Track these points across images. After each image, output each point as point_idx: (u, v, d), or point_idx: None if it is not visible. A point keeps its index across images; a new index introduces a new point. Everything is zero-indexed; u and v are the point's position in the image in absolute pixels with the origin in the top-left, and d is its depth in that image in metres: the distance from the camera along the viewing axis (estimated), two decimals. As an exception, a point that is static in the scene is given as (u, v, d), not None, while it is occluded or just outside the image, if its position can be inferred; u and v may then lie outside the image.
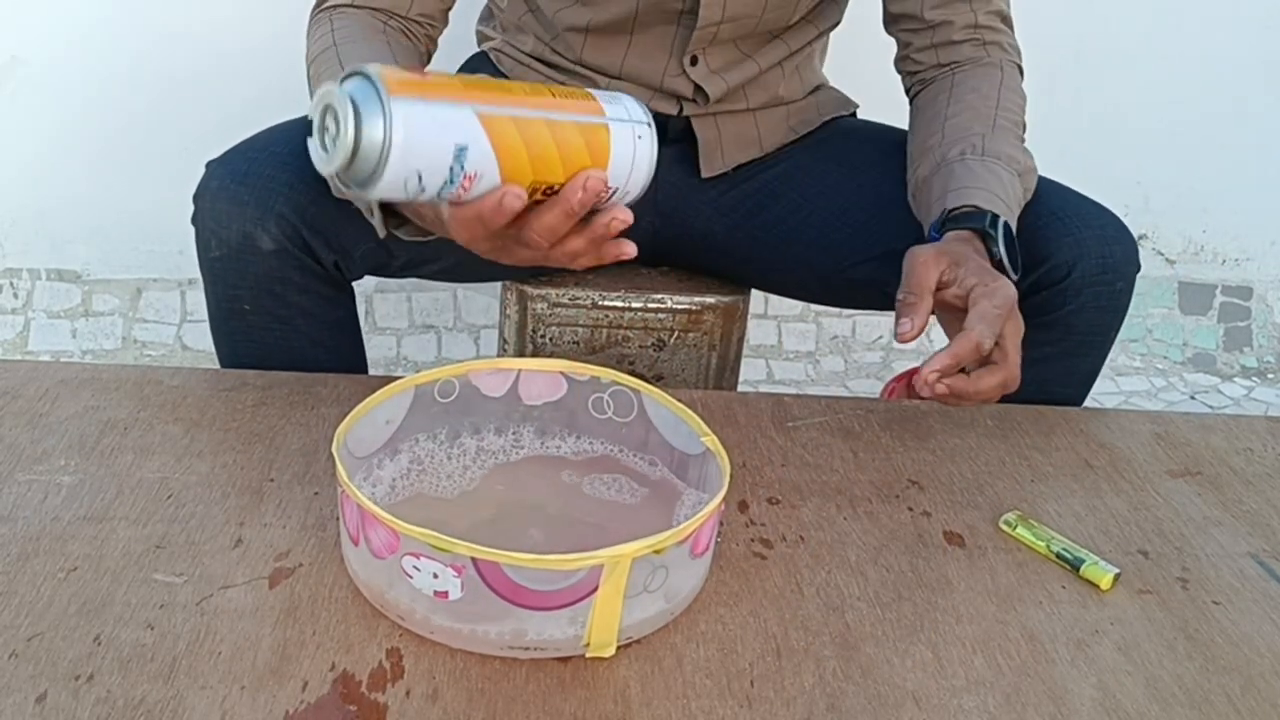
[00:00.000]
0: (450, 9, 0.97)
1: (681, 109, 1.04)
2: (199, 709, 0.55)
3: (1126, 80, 1.89)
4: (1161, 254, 2.02)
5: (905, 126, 1.11)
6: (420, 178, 0.57)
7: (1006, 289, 0.76)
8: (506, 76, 1.08)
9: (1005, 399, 0.96)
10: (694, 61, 1.01)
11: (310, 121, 0.59)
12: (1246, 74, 1.93)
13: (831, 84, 1.15)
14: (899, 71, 1.05)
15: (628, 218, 0.64)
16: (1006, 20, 1.00)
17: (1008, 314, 0.75)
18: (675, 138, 1.07)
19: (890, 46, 1.06)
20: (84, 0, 1.69)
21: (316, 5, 0.93)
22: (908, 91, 1.05)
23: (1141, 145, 1.91)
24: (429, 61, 0.98)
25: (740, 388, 1.29)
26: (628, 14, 0.97)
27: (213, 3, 1.71)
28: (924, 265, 0.77)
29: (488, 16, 1.14)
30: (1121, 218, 0.96)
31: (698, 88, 1.02)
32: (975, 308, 0.75)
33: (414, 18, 0.93)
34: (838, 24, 1.09)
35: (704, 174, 1.07)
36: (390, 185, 0.57)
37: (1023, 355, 0.99)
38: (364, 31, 0.88)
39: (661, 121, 1.05)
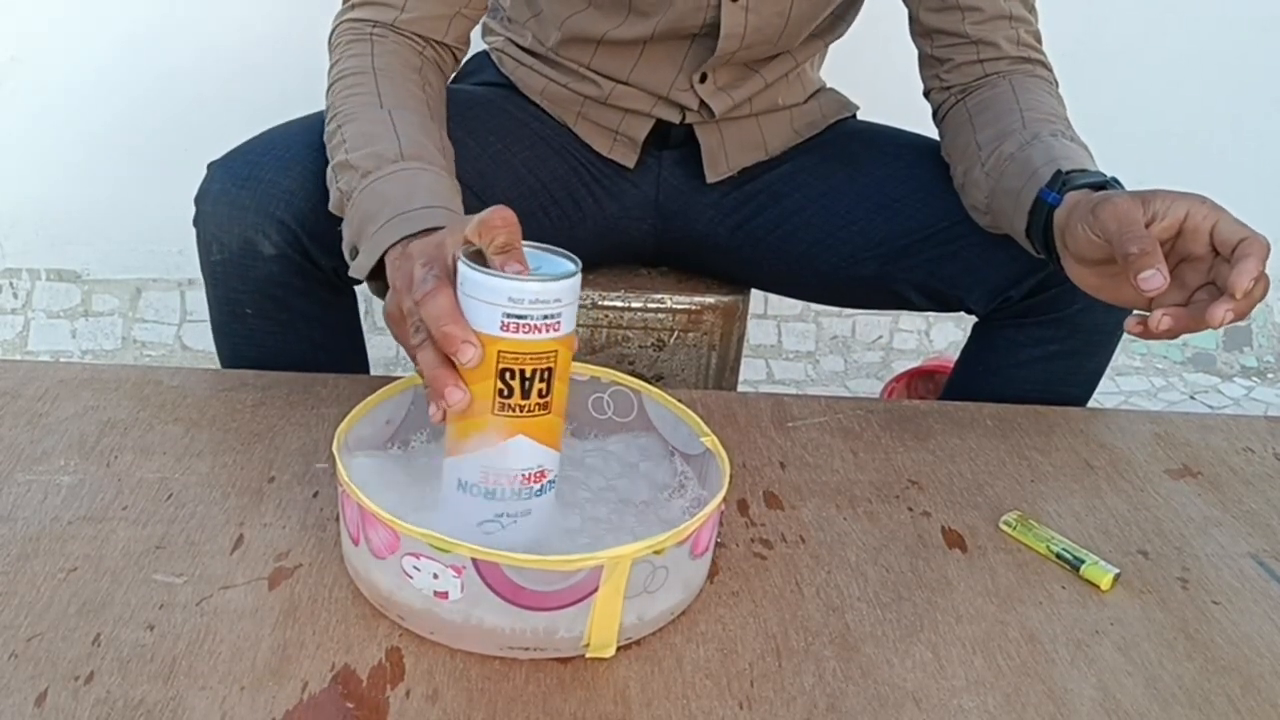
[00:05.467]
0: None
1: (684, 117, 1.04)
2: (199, 709, 0.55)
3: (1124, 81, 1.89)
4: (1161, 254, 2.02)
5: (906, 127, 1.12)
6: None
7: (1264, 242, 0.70)
8: (508, 79, 1.08)
9: (1015, 399, 0.97)
10: (703, 79, 1.01)
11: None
12: (1245, 74, 1.93)
13: (829, 87, 1.15)
14: (930, 76, 1.02)
15: (456, 402, 0.60)
16: (1040, 40, 0.99)
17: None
18: (679, 141, 1.07)
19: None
20: (83, 0, 1.69)
21: (349, 5, 0.91)
22: (940, 91, 1.01)
23: (1139, 146, 1.91)
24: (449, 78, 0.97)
25: (740, 388, 1.29)
26: (645, 33, 0.97)
27: (214, 3, 1.71)
28: (1130, 211, 0.71)
29: (494, 9, 1.14)
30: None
31: (703, 103, 1.02)
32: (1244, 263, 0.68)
33: (448, 42, 0.92)
34: (843, 35, 1.08)
35: (709, 179, 1.07)
36: None
37: (1029, 354, 0.99)
38: (402, 68, 0.87)
39: (665, 128, 1.06)
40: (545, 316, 0.59)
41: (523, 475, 0.63)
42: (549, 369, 0.60)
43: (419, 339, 0.62)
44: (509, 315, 0.58)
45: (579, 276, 0.61)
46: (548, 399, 0.61)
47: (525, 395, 0.60)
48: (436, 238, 0.65)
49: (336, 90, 0.85)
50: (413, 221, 0.71)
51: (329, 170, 0.82)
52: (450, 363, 0.60)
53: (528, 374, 0.60)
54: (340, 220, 0.79)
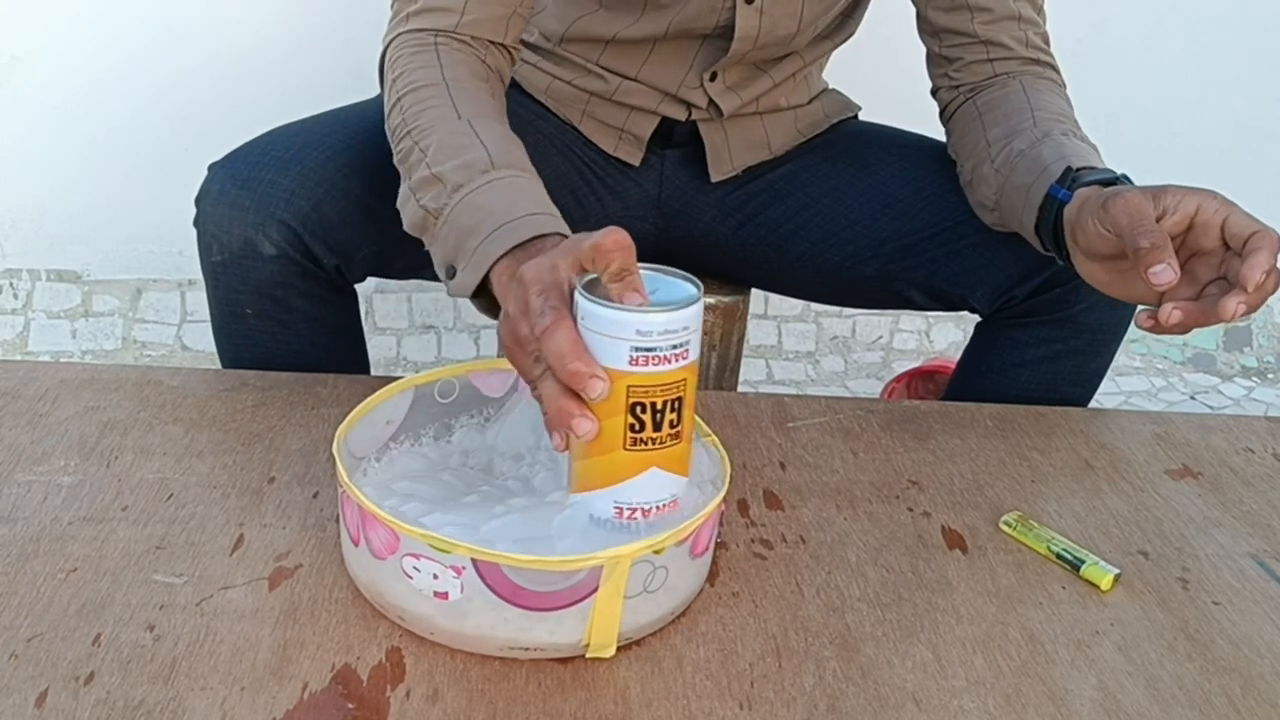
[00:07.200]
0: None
1: (690, 114, 1.04)
2: (199, 710, 0.55)
3: (1127, 81, 1.89)
4: (1161, 254, 2.02)
5: (907, 128, 1.12)
6: None
7: (1276, 235, 0.70)
8: (511, 77, 1.08)
9: (1017, 398, 0.97)
10: (713, 78, 1.01)
11: None
12: (1246, 75, 1.93)
13: (832, 88, 1.16)
14: (938, 75, 1.02)
15: (586, 432, 0.58)
16: (1049, 43, 0.99)
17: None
18: (682, 140, 1.07)
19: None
20: (84, 1, 1.69)
21: (403, 16, 0.87)
22: (948, 90, 1.01)
23: (1142, 146, 1.91)
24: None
25: (740, 388, 1.29)
26: (658, 32, 0.97)
27: (215, 5, 1.71)
28: (1141, 205, 0.71)
29: None
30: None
31: (711, 101, 1.02)
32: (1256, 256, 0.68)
33: (506, 44, 0.90)
34: (851, 35, 1.09)
35: (713, 178, 1.07)
36: None
37: (1032, 353, 1.00)
38: (471, 78, 0.84)
39: (669, 126, 1.06)
40: (674, 346, 0.57)
41: (658, 507, 0.61)
42: (680, 398, 0.58)
43: (539, 370, 0.59)
44: (637, 349, 0.56)
45: (702, 299, 0.59)
46: (679, 428, 0.59)
47: (657, 428, 0.58)
48: (548, 260, 0.60)
49: (406, 105, 0.81)
50: (518, 231, 0.68)
51: (404, 188, 0.78)
52: (574, 393, 0.58)
53: (659, 406, 0.58)
54: (336, 225, 0.77)
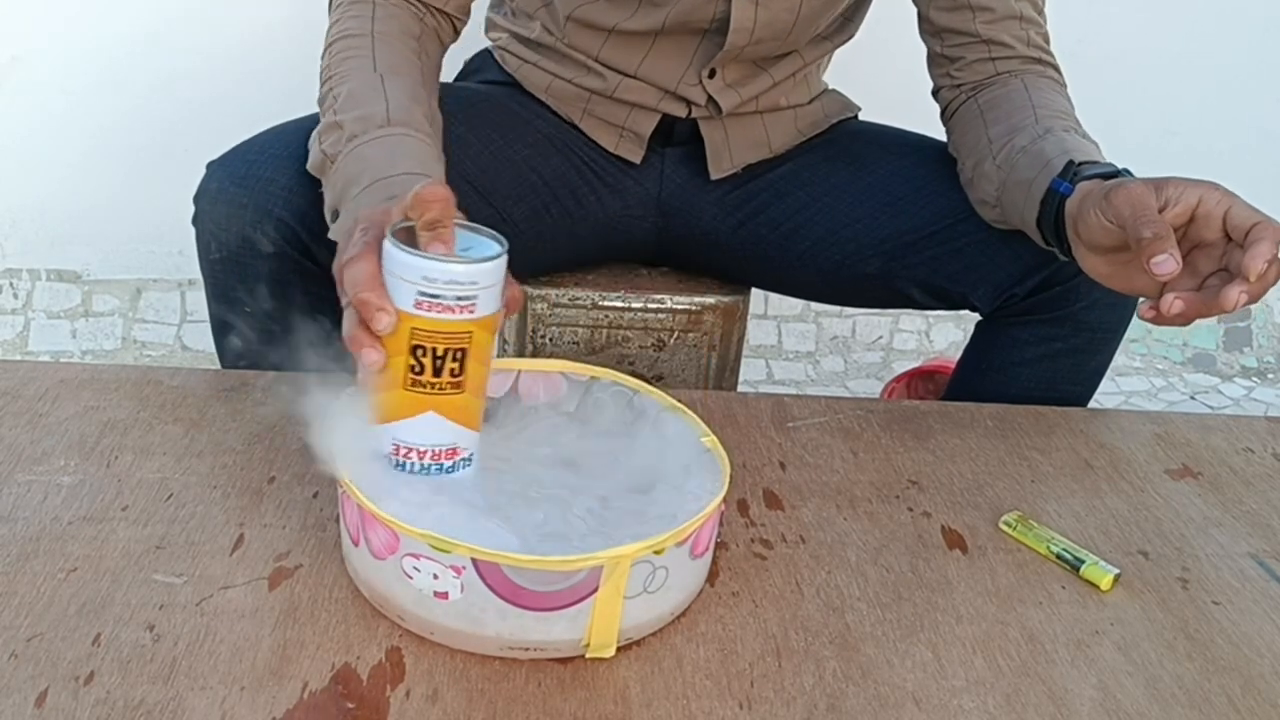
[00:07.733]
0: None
1: (690, 112, 1.04)
2: (199, 710, 0.55)
3: (1126, 81, 1.89)
4: (1161, 254, 2.01)
5: (908, 128, 1.12)
6: None
7: (1278, 226, 0.70)
8: (511, 76, 1.08)
9: (1017, 397, 0.98)
10: (712, 74, 1.01)
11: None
12: (1246, 75, 1.93)
13: (832, 89, 1.16)
14: (940, 75, 1.02)
15: (372, 362, 0.62)
16: (1049, 43, 0.99)
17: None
18: (683, 139, 1.07)
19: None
20: (84, 0, 1.69)
21: None
22: (950, 89, 1.01)
23: (1139, 146, 1.91)
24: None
25: (740, 388, 1.29)
26: (656, 25, 0.97)
27: (214, 4, 1.71)
28: (1144, 197, 0.71)
29: (498, 3, 1.14)
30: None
31: (711, 99, 1.02)
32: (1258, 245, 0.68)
33: (449, 11, 0.93)
34: (852, 37, 1.09)
35: (713, 175, 1.07)
36: None
37: (1033, 351, 1.00)
38: (401, 32, 0.88)
39: (669, 123, 1.06)
40: (460, 298, 0.60)
41: (432, 451, 0.64)
42: (463, 349, 0.61)
43: (345, 300, 0.63)
44: (423, 294, 0.59)
45: (502, 260, 0.61)
46: (460, 379, 0.62)
47: (437, 373, 0.61)
48: (387, 204, 0.65)
49: (334, 51, 0.86)
50: (391, 187, 0.72)
51: (315, 131, 0.83)
52: (366, 325, 0.61)
53: (439, 352, 0.61)
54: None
